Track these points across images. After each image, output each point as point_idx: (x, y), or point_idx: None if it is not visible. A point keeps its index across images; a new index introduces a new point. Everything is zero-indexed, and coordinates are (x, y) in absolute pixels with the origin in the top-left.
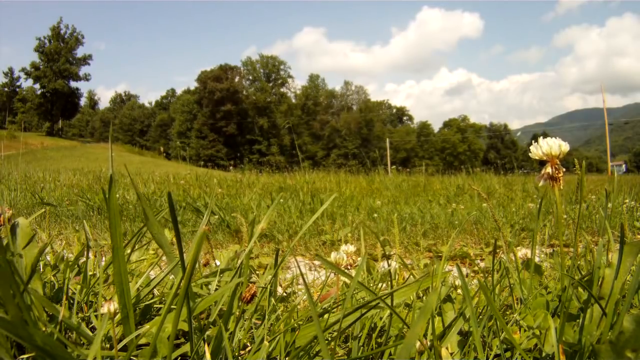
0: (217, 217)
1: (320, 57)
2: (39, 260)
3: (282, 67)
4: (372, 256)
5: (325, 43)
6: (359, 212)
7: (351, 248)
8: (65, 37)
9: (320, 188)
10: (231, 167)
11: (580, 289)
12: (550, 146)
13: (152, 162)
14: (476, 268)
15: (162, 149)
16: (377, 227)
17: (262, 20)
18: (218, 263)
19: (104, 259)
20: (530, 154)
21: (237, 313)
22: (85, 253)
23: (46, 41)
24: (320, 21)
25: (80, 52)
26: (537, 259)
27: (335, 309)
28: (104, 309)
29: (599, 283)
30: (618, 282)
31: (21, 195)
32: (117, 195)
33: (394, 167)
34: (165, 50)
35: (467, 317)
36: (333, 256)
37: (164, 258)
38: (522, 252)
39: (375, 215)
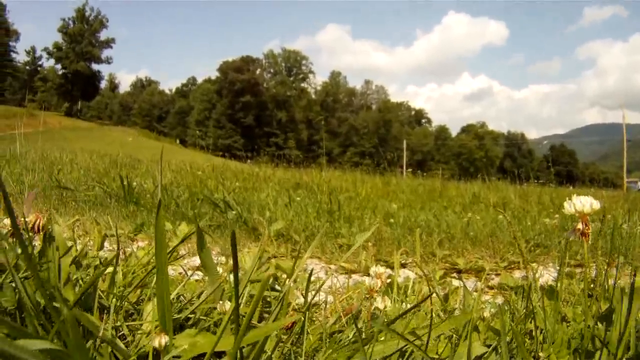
0: (234, 212)
1: (343, 54)
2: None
3: (304, 62)
4: (388, 264)
5: (348, 41)
6: (375, 215)
7: (380, 269)
8: (90, 19)
9: (336, 187)
10: (248, 160)
11: (599, 324)
12: (583, 204)
13: (169, 149)
14: (491, 284)
15: (177, 140)
16: (393, 233)
17: (287, 14)
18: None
19: (121, 249)
20: (563, 210)
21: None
22: (115, 262)
23: (70, 22)
24: (346, 19)
25: (103, 35)
26: (552, 278)
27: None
28: (154, 343)
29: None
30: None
31: (38, 177)
32: (134, 184)
33: (409, 170)
34: (189, 38)
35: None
36: (367, 281)
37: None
38: (538, 273)
39: (392, 220)
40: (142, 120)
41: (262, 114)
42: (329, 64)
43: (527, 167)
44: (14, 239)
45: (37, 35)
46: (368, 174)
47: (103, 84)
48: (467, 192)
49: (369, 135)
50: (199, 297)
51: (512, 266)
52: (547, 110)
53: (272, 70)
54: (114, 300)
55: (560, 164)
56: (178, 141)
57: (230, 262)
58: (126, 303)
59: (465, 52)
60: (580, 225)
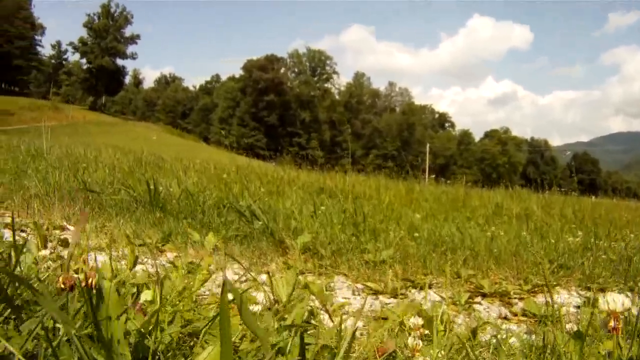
0: (261, 223)
1: (367, 55)
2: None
3: (328, 62)
4: (414, 283)
5: (373, 42)
6: (399, 227)
7: (419, 321)
8: (115, 15)
9: (360, 193)
10: (273, 162)
11: None
12: (616, 303)
13: (192, 146)
14: (514, 309)
15: (206, 142)
16: (419, 249)
17: (311, 14)
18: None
19: (149, 261)
20: (597, 307)
21: None
22: (156, 318)
23: (95, 18)
24: (371, 20)
25: (128, 31)
26: (574, 303)
27: None
28: None
29: None
30: None
31: (64, 176)
32: (160, 188)
33: (432, 176)
34: (213, 36)
35: None
36: (410, 342)
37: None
38: (563, 297)
39: (417, 234)
40: (165, 116)
41: (285, 114)
42: (353, 64)
43: (550, 174)
44: (67, 294)
45: (62, 30)
46: (391, 178)
47: (127, 79)
48: (490, 202)
49: (392, 137)
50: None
51: (536, 289)
52: (571, 116)
53: (296, 70)
54: (162, 346)
55: (584, 172)
56: (204, 141)
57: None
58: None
59: (490, 55)
60: (612, 323)
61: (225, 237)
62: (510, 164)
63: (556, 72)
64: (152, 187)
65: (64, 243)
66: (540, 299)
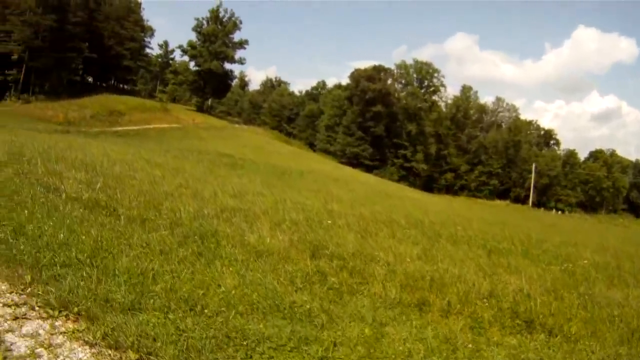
0: None
1: (471, 64)
2: None
3: (435, 74)
4: None
5: (476, 51)
6: None
7: None
8: (224, 20)
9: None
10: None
11: None
12: None
13: (301, 155)
14: None
15: (313, 153)
16: None
17: (415, 21)
18: None
19: None
20: None
21: None
22: None
23: (204, 22)
24: (475, 28)
25: (237, 36)
26: None
27: None
28: None
29: None
30: None
31: None
32: None
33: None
34: (315, 38)
35: None
36: None
37: None
38: None
39: None
40: (271, 119)
41: (392, 125)
42: (456, 73)
43: None
44: None
45: (169, 28)
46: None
47: (234, 82)
48: None
49: (498, 155)
50: None
51: None
52: None
53: (403, 81)
54: None
55: None
56: (311, 147)
57: None
58: None
59: (595, 69)
60: None
61: None
62: (615, 189)
63: None
64: None
65: None
66: None
